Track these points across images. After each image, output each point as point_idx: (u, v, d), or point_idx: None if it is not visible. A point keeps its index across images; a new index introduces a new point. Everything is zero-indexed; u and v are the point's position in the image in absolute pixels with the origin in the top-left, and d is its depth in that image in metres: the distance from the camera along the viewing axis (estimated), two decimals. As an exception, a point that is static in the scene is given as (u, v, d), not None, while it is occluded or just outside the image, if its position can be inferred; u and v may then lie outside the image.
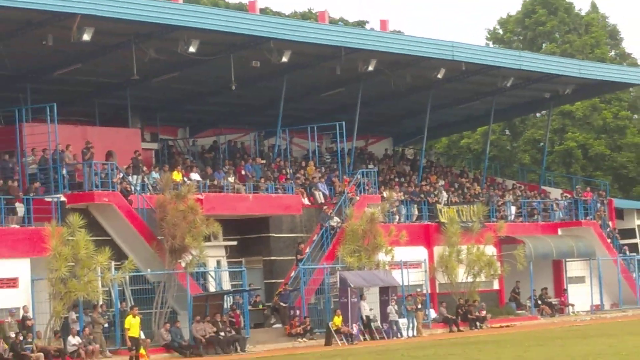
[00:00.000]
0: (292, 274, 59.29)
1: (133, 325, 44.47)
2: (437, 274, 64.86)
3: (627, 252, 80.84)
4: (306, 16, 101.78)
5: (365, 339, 54.00)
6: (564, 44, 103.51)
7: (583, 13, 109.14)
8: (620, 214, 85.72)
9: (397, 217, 65.17)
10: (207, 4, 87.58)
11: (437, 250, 65.62)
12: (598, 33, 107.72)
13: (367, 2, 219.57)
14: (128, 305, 50.85)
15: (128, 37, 54.61)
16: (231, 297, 56.83)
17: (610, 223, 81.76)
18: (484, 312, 63.09)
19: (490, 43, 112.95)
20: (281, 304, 57.06)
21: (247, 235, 61.24)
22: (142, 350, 44.48)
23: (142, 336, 46.13)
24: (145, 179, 57.66)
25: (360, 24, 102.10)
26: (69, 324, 46.88)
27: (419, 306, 59.60)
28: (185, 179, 56.98)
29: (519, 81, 77.21)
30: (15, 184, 51.56)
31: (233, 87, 59.67)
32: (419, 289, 62.37)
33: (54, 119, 53.74)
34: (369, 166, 72.44)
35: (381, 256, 59.36)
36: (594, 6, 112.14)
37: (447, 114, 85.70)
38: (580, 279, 77.30)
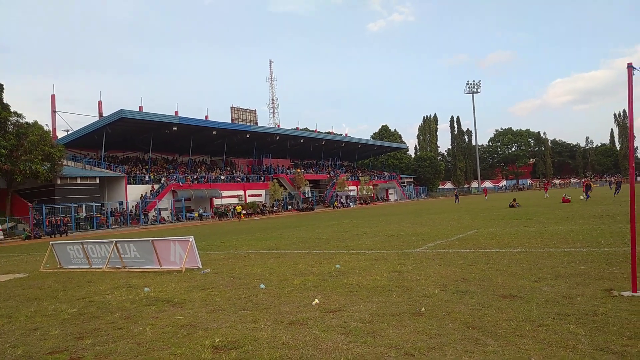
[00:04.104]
0: (327, 190, 69.37)
1: (238, 208, 47.84)
2: (359, 192, 73.70)
3: (404, 186, 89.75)
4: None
5: (342, 207, 62.21)
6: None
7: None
8: (401, 179, 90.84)
9: (348, 180, 72.71)
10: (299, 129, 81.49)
11: (359, 187, 74.15)
12: (389, 137, 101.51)
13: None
14: (287, 200, 64.21)
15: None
16: (312, 198, 65.73)
17: (400, 181, 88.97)
18: (369, 201, 72.79)
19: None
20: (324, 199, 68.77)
21: (316, 184, 69.43)
22: (242, 216, 46.91)
23: (243, 211, 47.61)
24: (292, 172, 66.76)
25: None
26: (274, 205, 57.05)
27: (355, 200, 71.34)
28: (300, 171, 66.65)
29: (379, 147, 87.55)
30: (260, 174, 63.32)
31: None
32: (354, 195, 73.21)
33: (269, 157, 65.53)
34: (342, 169, 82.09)
35: (346, 189, 69.98)
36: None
37: (360, 156, 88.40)
38: (392, 194, 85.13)
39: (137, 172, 50.98)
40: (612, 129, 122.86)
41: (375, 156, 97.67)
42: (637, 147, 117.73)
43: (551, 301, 5.95)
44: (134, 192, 47.41)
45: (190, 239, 11.32)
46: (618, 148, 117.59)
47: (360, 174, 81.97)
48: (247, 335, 5.28)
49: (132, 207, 46.21)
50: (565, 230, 14.16)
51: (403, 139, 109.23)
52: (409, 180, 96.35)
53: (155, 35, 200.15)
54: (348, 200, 69.62)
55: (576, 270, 7.84)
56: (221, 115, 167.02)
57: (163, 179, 51.01)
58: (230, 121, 63.00)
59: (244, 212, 49.04)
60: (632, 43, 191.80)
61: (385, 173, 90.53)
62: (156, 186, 49.59)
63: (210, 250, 16.01)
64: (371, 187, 76.91)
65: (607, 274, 7.37)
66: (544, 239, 12.57)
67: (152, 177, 50.83)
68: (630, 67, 6.31)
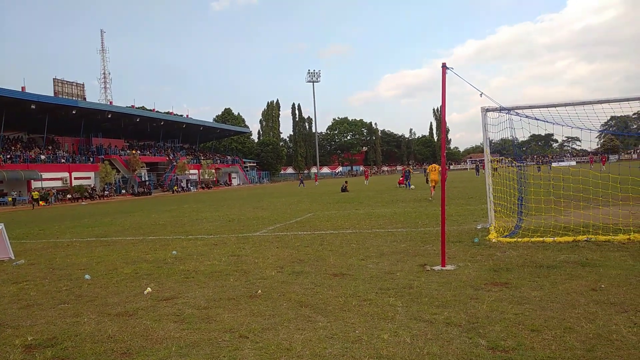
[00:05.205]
0: (166, 173, 65.75)
1: (35, 194, 41.63)
2: (201, 176, 70.96)
3: (247, 170, 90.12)
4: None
5: (182, 192, 59.60)
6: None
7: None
8: (244, 163, 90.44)
9: (189, 164, 69.60)
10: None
11: (201, 171, 71.35)
12: (233, 120, 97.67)
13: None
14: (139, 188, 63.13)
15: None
16: (149, 181, 62.41)
17: (243, 165, 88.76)
18: (211, 185, 69.16)
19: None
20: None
21: (153, 167, 65.67)
22: (42, 202, 40.71)
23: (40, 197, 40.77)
24: (126, 154, 62.82)
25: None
26: (105, 188, 53.64)
27: (196, 184, 67.66)
28: (135, 152, 62.58)
29: (222, 130, 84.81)
30: (89, 155, 60.63)
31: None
32: (196, 179, 69.73)
33: (99, 136, 62.92)
34: (183, 151, 77.57)
35: (187, 173, 66.82)
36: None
37: (202, 138, 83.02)
38: (235, 178, 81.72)
39: None
40: (431, 122, 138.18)
41: (218, 139, 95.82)
42: (450, 140, 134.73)
43: (375, 277, 6.41)
44: None
45: (0, 227, 9.95)
46: (435, 139, 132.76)
47: (202, 157, 79.51)
48: (67, 331, 4.83)
49: None
50: (390, 213, 15.54)
51: (247, 123, 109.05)
52: (252, 164, 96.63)
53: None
54: (189, 185, 67.35)
55: (397, 249, 8.62)
56: (42, 88, 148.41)
57: (-34, 157, 44.03)
58: (52, 94, 56.63)
59: (56, 196, 44.58)
60: (451, 46, 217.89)
61: (228, 157, 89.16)
62: (-44, 166, 42.59)
63: (26, 239, 14.31)
64: (213, 171, 75.22)
65: (422, 251, 8.22)
66: (372, 220, 13.61)
67: (-50, 155, 43.53)
68: (444, 66, 7.10)
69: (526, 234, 8.86)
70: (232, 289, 6.27)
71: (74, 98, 58.26)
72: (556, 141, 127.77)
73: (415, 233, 10.51)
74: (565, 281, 5.69)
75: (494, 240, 8.70)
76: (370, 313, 4.86)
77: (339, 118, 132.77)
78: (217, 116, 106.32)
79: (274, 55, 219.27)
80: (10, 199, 44.34)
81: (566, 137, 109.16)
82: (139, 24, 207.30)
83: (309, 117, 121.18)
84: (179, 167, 67.03)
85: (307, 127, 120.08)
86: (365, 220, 13.84)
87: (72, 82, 60.89)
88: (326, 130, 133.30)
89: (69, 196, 47.93)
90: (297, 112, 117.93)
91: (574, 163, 78.13)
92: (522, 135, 9.86)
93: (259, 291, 6.01)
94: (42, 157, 51.70)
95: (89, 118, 56.99)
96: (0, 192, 45.27)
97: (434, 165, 21.84)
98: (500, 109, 9.52)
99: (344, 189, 32.70)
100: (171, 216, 20.18)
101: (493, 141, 10.47)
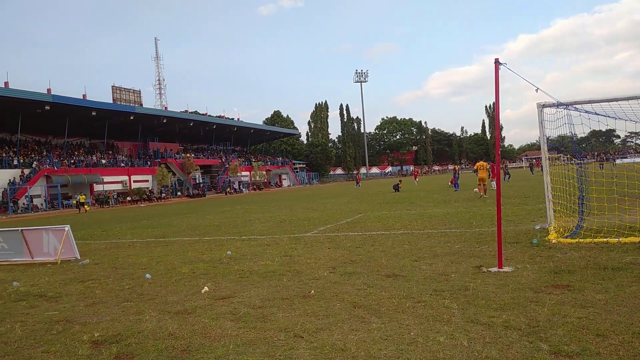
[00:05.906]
0: (219, 175, 67.66)
1: (82, 198, 41.63)
2: (253, 178, 72.19)
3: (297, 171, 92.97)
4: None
5: (234, 193, 61.47)
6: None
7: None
8: (294, 164, 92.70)
9: (241, 166, 70.89)
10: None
11: (252, 173, 72.89)
12: (282, 122, 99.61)
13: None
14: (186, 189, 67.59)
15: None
16: (203, 183, 65.28)
17: (293, 166, 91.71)
18: (262, 187, 70.56)
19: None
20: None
21: (207, 169, 68.19)
22: (86, 206, 40.50)
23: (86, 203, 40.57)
24: (181, 157, 66.99)
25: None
26: (162, 191, 57.11)
27: (248, 185, 69.19)
28: (189, 155, 67.95)
29: (271, 133, 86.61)
30: (146, 159, 66.77)
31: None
32: (247, 181, 71.51)
33: (155, 141, 67.22)
34: (235, 154, 79.58)
35: (239, 175, 68.44)
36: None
37: (253, 141, 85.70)
38: (285, 179, 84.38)
39: (4, 155, 46.32)
40: (483, 120, 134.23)
41: (268, 142, 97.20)
42: (504, 137, 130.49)
43: (429, 278, 6.30)
44: (1, 178, 43.18)
45: (66, 228, 10.53)
46: (488, 137, 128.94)
47: (253, 159, 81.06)
48: (130, 328, 5.03)
49: (-2, 194, 41.75)
50: (442, 213, 15.19)
51: (295, 125, 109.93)
52: (301, 166, 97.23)
53: (19, 2, 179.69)
54: (241, 186, 68.53)
55: (451, 250, 8.43)
56: (101, 95, 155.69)
57: (35, 162, 47.07)
58: (111, 101, 59.24)
59: (93, 201, 45.91)
60: (501, 41, 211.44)
61: (278, 158, 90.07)
62: (27, 171, 45.70)
63: (90, 239, 15.03)
64: (264, 172, 76.19)
65: (478, 252, 8.01)
66: (424, 221, 13.35)
67: (21, 160, 46.64)
68: (497, 62, 6.88)
69: (588, 234, 8.43)
70: (286, 288, 6.34)
71: (131, 104, 60.68)
72: (618, 137, 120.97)
73: (469, 234, 10.23)
74: (633, 284, 5.38)
75: (553, 241, 8.32)
76: (425, 315, 4.78)
77: (387, 117, 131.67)
78: (266, 119, 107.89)
79: (321, 57, 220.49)
80: (74, 202, 46.63)
81: (629, 132, 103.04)
82: (190, 32, 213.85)
83: (357, 117, 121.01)
84: (231, 169, 68.33)
85: (356, 127, 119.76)
86: (416, 220, 13.61)
87: (130, 89, 63.44)
88: (375, 130, 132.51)
89: (128, 198, 49.96)
90: (345, 112, 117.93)
91: (639, 159, 73.61)
92: (582, 132, 9.39)
93: (312, 291, 6.04)
94: (103, 161, 54.33)
95: (145, 123, 59.29)
96: (65, 195, 47.67)
97: (481, 163, 20.93)
98: (558, 105, 9.11)
99: (396, 188, 32.21)
100: (225, 217, 20.61)
101: (550, 138, 10.01)
